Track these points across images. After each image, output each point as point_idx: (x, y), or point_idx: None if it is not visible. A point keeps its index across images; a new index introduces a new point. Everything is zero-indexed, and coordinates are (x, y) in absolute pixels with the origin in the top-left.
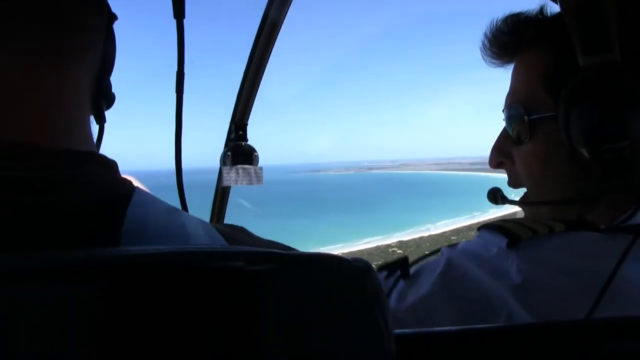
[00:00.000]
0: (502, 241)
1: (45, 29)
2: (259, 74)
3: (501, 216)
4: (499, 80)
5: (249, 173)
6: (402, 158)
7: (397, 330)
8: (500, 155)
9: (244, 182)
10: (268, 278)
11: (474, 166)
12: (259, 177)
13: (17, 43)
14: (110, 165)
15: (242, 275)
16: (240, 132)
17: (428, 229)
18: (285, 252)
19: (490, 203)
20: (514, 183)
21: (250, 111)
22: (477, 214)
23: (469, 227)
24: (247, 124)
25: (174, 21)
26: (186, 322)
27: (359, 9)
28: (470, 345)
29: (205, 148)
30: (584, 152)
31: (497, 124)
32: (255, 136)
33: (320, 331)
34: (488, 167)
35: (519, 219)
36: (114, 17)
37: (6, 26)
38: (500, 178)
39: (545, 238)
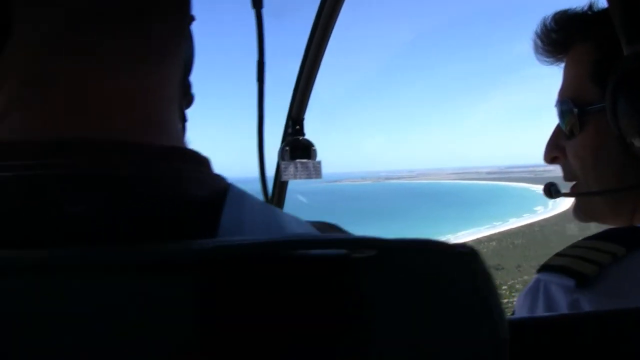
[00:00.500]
0: (568, 281)
1: (137, 33)
2: (315, 69)
3: (521, 226)
4: (514, 92)
5: (307, 167)
6: (419, 168)
7: (509, 317)
8: (554, 150)
9: (303, 176)
10: (373, 264)
11: (491, 175)
12: (317, 171)
13: (109, 45)
14: (204, 162)
15: (347, 262)
16: (297, 127)
17: (448, 240)
18: (386, 238)
19: (510, 212)
20: (568, 177)
21: (306, 106)
22: (497, 223)
23: (489, 237)
24: (303, 119)
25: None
26: (293, 314)
27: (381, 20)
28: (583, 331)
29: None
30: (633, 140)
31: (513, 134)
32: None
33: (432, 320)
34: (505, 176)
35: (574, 251)
36: (192, 18)
37: (100, 29)
38: (518, 187)
39: (611, 268)
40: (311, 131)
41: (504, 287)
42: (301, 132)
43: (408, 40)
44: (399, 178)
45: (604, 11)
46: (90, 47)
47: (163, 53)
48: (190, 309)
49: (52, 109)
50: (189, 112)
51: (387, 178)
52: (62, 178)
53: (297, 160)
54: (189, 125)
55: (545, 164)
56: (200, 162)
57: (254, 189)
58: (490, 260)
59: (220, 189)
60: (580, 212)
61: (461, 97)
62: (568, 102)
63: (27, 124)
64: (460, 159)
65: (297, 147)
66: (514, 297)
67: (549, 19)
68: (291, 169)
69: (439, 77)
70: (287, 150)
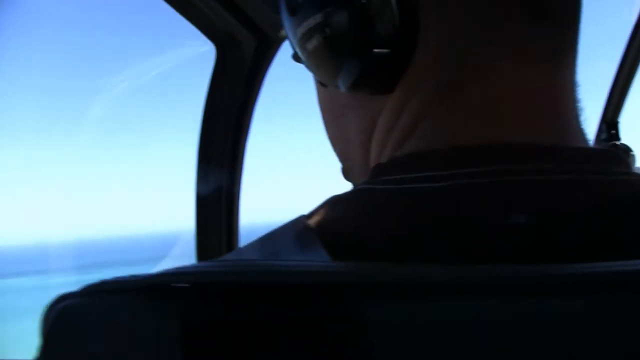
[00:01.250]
0: None
1: (544, 29)
2: (635, 68)
3: None
4: None
5: None
6: None
7: None
8: None
9: None
10: None
11: None
12: None
13: (530, 38)
14: (628, 164)
15: None
16: (613, 132)
17: None
18: None
19: None
20: None
21: (622, 107)
22: None
23: None
24: (619, 122)
25: None
26: None
27: None
28: None
29: None
30: None
31: None
32: None
33: None
34: None
35: None
36: None
37: (513, 27)
38: None
39: None
40: None
41: None
42: (617, 136)
43: None
44: None
45: None
46: (507, 39)
47: (569, 46)
48: None
49: (469, 113)
50: None
51: None
52: (500, 186)
53: None
54: None
55: None
56: (627, 165)
57: None
58: None
59: None
60: None
61: None
62: None
63: (442, 132)
64: None
65: None
66: None
67: None
68: None
69: None
70: None
